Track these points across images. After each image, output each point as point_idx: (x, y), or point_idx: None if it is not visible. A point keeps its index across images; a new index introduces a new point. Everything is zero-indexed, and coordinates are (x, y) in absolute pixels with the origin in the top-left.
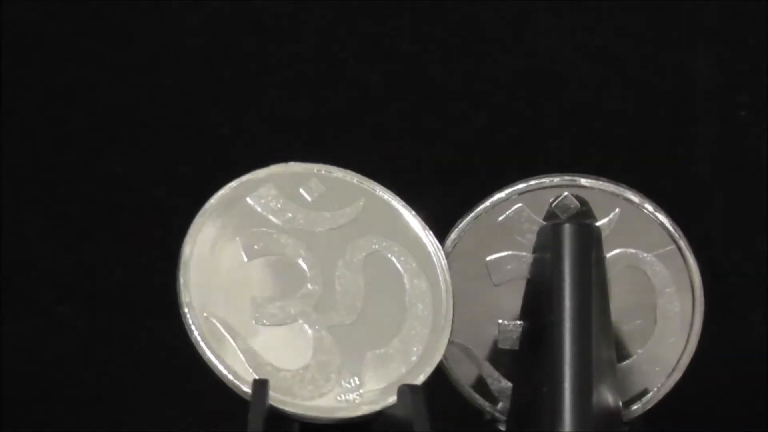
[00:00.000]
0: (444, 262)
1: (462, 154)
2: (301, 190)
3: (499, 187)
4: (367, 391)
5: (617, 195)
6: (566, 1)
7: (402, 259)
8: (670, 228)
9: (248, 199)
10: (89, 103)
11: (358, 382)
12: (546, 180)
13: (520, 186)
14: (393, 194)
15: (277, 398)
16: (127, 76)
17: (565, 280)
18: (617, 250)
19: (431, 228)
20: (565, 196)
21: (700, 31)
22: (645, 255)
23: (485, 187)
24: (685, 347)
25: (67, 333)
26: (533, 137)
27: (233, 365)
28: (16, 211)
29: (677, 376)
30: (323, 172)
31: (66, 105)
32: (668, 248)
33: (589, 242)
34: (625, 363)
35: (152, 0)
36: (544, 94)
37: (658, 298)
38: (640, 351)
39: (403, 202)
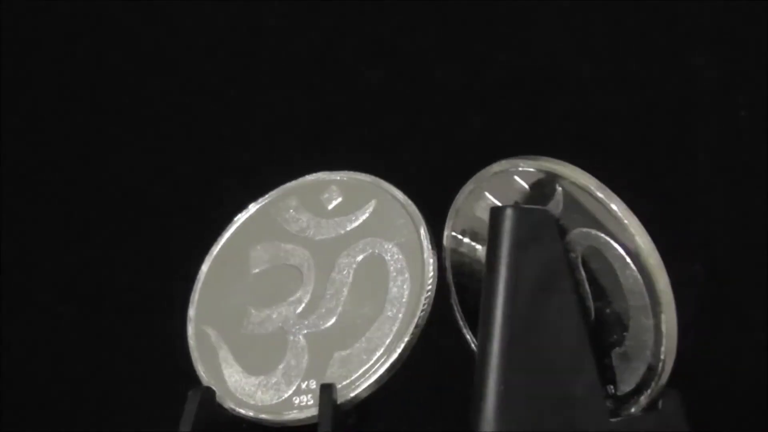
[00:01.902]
0: (432, 264)
1: (462, 154)
2: (321, 199)
3: None
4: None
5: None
6: (566, 1)
7: (394, 260)
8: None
9: (270, 211)
10: (89, 103)
11: (314, 386)
12: None
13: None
14: (405, 196)
15: (239, 402)
16: (127, 76)
17: (490, 264)
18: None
19: (431, 228)
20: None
21: (700, 31)
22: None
23: None
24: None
25: (67, 333)
26: (533, 137)
27: (214, 373)
28: (16, 211)
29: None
30: (345, 178)
31: (66, 105)
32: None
33: (517, 226)
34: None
35: (152, 0)
36: (544, 94)
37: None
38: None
39: (412, 205)
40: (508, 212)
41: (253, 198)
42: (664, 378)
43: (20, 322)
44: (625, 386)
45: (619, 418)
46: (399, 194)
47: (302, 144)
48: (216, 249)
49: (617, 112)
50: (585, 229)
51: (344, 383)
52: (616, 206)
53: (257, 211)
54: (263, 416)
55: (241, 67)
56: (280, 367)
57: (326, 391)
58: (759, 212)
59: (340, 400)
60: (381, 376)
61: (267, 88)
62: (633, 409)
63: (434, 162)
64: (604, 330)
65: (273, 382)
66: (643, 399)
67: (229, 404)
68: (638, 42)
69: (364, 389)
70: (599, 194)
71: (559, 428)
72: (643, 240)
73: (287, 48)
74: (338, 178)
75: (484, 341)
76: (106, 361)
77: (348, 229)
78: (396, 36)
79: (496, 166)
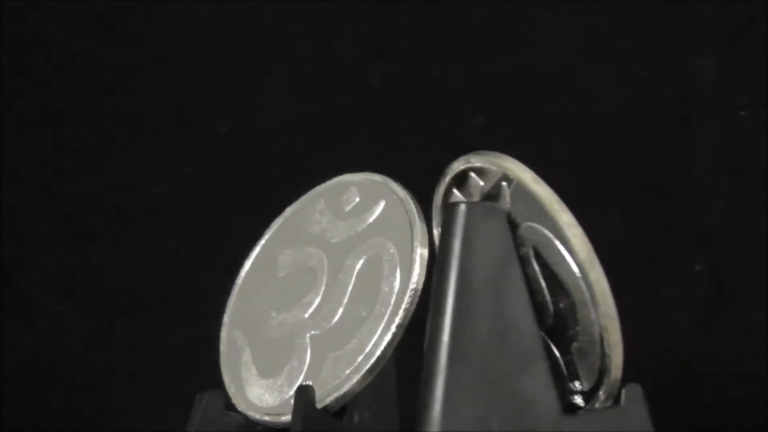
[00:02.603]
0: (418, 261)
1: (462, 154)
2: (341, 201)
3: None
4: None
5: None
6: (566, 1)
7: (389, 259)
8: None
9: (301, 215)
10: (89, 103)
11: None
12: None
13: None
14: (406, 194)
15: (250, 405)
16: (127, 76)
17: (441, 261)
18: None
19: (427, 226)
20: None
21: (700, 31)
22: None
23: None
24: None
25: (67, 333)
26: (533, 137)
27: (235, 377)
28: (16, 211)
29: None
30: (362, 180)
31: (66, 105)
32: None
33: (462, 221)
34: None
35: (152, 0)
36: (544, 94)
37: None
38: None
39: (411, 203)
40: (457, 209)
41: (250, 198)
42: (616, 372)
43: (20, 322)
44: (587, 382)
45: (572, 415)
46: (401, 193)
47: (302, 144)
48: (253, 254)
49: (617, 112)
50: (531, 224)
51: (334, 384)
52: (547, 197)
53: (291, 215)
54: (266, 418)
55: (241, 67)
56: (286, 369)
57: (300, 393)
58: (759, 212)
59: (328, 401)
60: (363, 376)
61: (267, 88)
62: (597, 405)
63: (434, 162)
64: (562, 325)
65: (278, 384)
66: (602, 394)
67: (242, 407)
68: (638, 42)
69: (349, 389)
70: (533, 187)
71: (508, 427)
72: (573, 232)
73: (287, 48)
74: (357, 179)
75: (433, 338)
76: (106, 361)
77: (358, 230)
78: (396, 36)
79: (457, 163)
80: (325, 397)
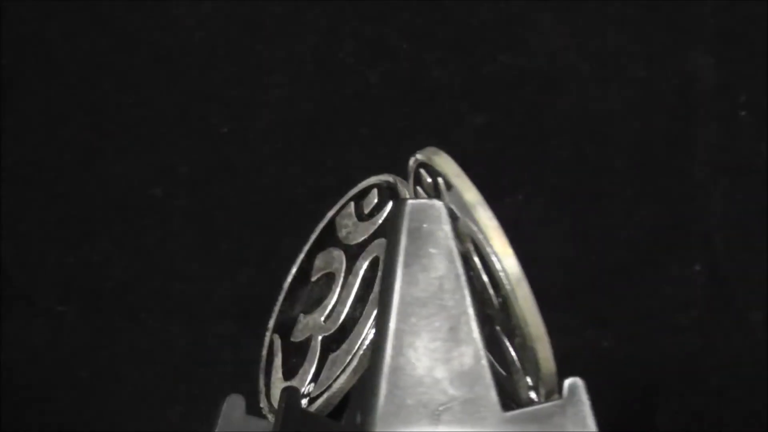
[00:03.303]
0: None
1: (462, 154)
2: (363, 203)
3: (499, 187)
4: (312, 396)
5: None
6: (566, 1)
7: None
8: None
9: (336, 218)
10: (89, 103)
11: (311, 388)
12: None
13: None
14: (406, 191)
15: (271, 408)
16: (127, 76)
17: (387, 259)
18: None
19: None
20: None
21: (700, 31)
22: None
23: (485, 187)
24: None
25: (67, 333)
26: (533, 137)
27: (267, 380)
28: (16, 211)
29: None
30: (382, 181)
31: (66, 105)
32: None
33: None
34: None
35: (152, 0)
36: (544, 94)
37: None
38: None
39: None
40: (401, 205)
41: (250, 198)
42: (546, 365)
43: (20, 322)
44: (531, 376)
45: (512, 411)
46: (405, 192)
47: (302, 144)
48: (298, 259)
49: (617, 112)
50: (465, 219)
51: (327, 384)
52: (466, 191)
53: (328, 218)
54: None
55: (241, 67)
56: (300, 371)
57: (283, 395)
58: (759, 212)
59: (320, 401)
60: (349, 376)
61: (267, 88)
62: (541, 400)
63: None
64: (506, 320)
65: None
66: (542, 389)
67: (264, 410)
68: (638, 42)
69: (337, 389)
70: (455, 182)
71: (449, 425)
72: (487, 224)
73: (287, 48)
74: (378, 181)
75: (378, 337)
76: (106, 361)
77: (371, 232)
78: (396, 36)
79: (411, 160)
80: (318, 398)
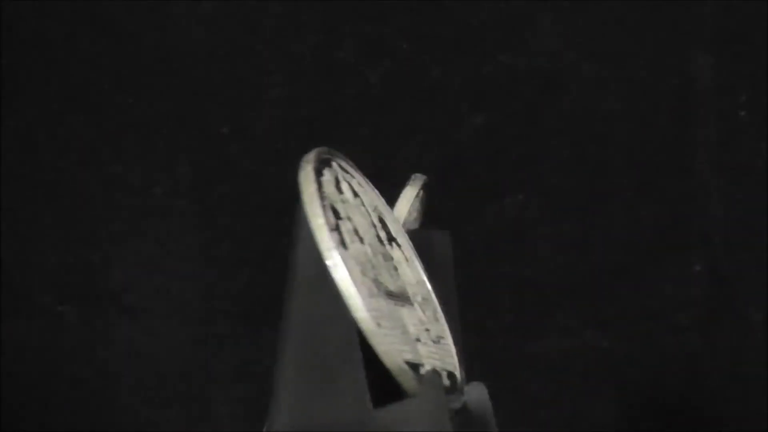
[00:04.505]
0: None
1: (462, 154)
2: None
3: (499, 187)
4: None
5: None
6: (566, 1)
7: None
8: None
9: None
10: (89, 103)
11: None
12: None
13: None
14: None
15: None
16: (127, 76)
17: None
18: None
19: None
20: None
21: (700, 31)
22: None
23: (485, 187)
24: None
25: (67, 333)
26: (533, 137)
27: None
28: (16, 211)
29: None
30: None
31: (66, 105)
32: None
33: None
34: None
35: (152, 0)
36: (544, 94)
37: None
38: None
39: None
40: (300, 207)
41: (250, 197)
42: (386, 360)
43: (20, 322)
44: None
45: (382, 409)
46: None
47: (302, 144)
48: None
49: (618, 112)
50: None
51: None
52: (303, 191)
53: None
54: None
55: (241, 67)
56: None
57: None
58: (759, 212)
59: None
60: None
61: (267, 88)
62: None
63: (434, 162)
64: None
65: None
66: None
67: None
68: (638, 42)
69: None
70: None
71: (327, 423)
72: (312, 222)
73: (287, 48)
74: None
75: (280, 338)
76: (106, 361)
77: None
78: (396, 36)
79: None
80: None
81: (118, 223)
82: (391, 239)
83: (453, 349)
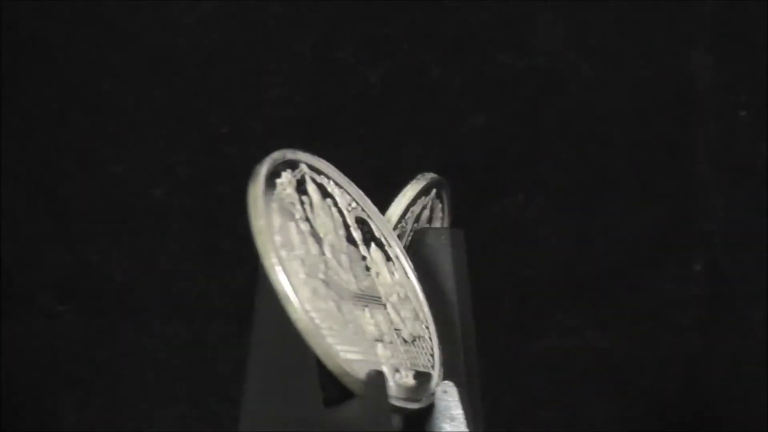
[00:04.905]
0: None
1: (462, 154)
2: None
3: (499, 187)
4: None
5: None
6: (566, 0)
7: None
8: None
9: None
10: (89, 103)
11: None
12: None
13: None
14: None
15: None
16: (127, 76)
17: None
18: None
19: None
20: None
21: (700, 31)
22: None
23: (485, 187)
24: None
25: (67, 333)
26: (533, 137)
27: None
28: (16, 211)
29: None
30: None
31: (66, 105)
32: None
33: None
34: None
35: (152, 0)
36: (544, 94)
37: None
38: None
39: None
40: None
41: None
42: (328, 364)
43: (20, 322)
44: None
45: (331, 409)
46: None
47: (302, 144)
48: None
49: (618, 112)
50: None
51: None
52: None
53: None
54: None
55: (241, 67)
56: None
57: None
58: (759, 212)
59: None
60: None
61: (267, 88)
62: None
63: (434, 162)
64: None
65: None
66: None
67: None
68: (638, 42)
69: None
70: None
71: (280, 424)
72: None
73: (287, 48)
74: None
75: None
76: (106, 361)
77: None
78: (396, 36)
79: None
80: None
81: (118, 223)
82: (372, 239)
83: (434, 349)
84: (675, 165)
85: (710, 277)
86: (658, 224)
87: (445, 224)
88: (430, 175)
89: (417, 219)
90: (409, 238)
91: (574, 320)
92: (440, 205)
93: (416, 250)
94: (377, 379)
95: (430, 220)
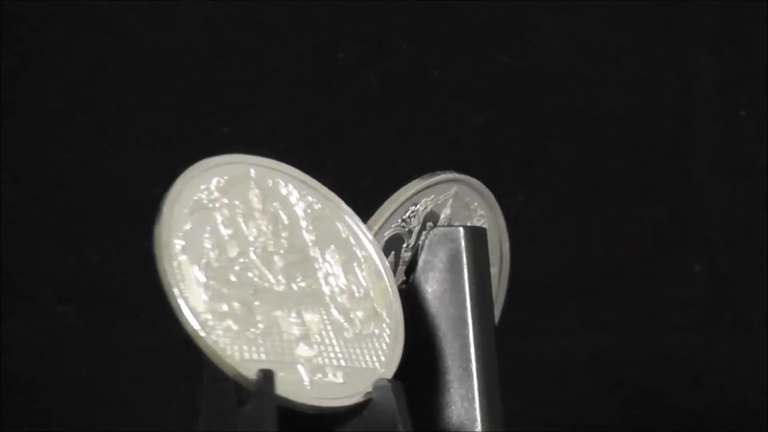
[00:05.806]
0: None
1: (462, 154)
2: None
3: (499, 187)
4: None
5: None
6: (566, 1)
7: None
8: None
9: None
10: (89, 103)
11: None
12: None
13: None
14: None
15: None
16: (127, 76)
17: None
18: None
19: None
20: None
21: (700, 31)
22: None
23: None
24: None
25: (67, 333)
26: (533, 137)
27: None
28: (16, 211)
29: None
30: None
31: (66, 105)
32: None
33: None
34: None
35: (152, 0)
36: (544, 94)
37: None
38: None
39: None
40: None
41: None
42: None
43: (20, 322)
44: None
45: (239, 409)
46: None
47: (302, 144)
48: None
49: (617, 112)
50: None
51: None
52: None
53: None
54: None
55: (241, 67)
56: None
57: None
58: (759, 212)
59: None
60: None
61: (267, 88)
62: None
63: (434, 162)
64: None
65: None
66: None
67: None
68: (638, 42)
69: None
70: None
71: (201, 424)
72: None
73: (287, 48)
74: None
75: None
76: (106, 361)
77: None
78: (396, 36)
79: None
80: None
81: (118, 223)
82: (333, 241)
83: (386, 348)
84: (675, 165)
85: (710, 277)
86: (658, 224)
87: (492, 223)
88: (433, 175)
89: (432, 218)
90: (422, 236)
91: (574, 320)
92: (475, 204)
93: (433, 248)
94: (264, 377)
95: (451, 218)
